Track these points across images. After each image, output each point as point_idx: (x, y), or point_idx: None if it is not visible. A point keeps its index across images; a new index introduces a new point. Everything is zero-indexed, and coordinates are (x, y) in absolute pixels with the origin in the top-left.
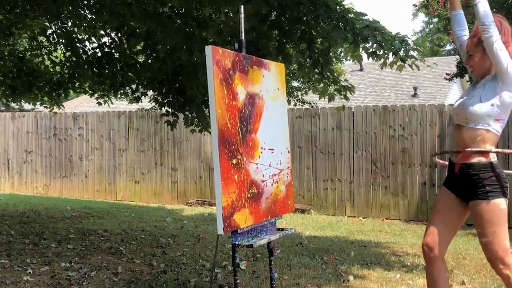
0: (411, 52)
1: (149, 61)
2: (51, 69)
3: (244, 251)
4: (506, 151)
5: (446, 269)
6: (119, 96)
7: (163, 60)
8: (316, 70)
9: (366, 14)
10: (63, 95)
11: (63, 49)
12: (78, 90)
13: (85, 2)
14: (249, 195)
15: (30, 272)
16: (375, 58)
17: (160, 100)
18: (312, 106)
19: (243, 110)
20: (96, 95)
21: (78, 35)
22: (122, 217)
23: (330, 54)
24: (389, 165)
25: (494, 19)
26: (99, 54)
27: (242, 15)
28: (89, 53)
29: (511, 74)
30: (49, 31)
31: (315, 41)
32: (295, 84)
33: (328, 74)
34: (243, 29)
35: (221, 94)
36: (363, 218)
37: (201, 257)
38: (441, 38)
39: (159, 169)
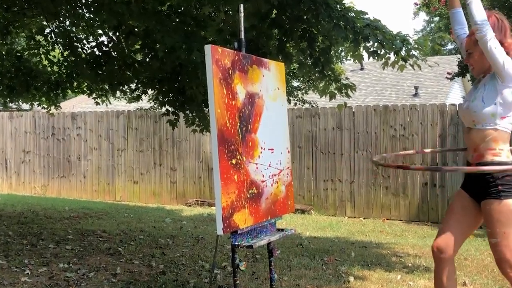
0: (413, 52)
1: (148, 60)
2: (49, 69)
3: (243, 252)
4: None
5: (454, 271)
6: (117, 95)
7: (162, 59)
8: (317, 69)
9: (366, 13)
10: (61, 95)
11: (61, 49)
12: (76, 90)
13: (83, 1)
14: (248, 196)
15: (28, 273)
16: (376, 58)
17: (160, 99)
18: (312, 106)
19: (243, 110)
20: (94, 95)
21: (76, 35)
22: (121, 218)
23: (331, 52)
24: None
25: (491, 17)
26: (97, 53)
27: (242, 14)
28: (87, 52)
29: (508, 71)
30: (47, 30)
31: (316, 40)
32: (295, 83)
33: (330, 72)
34: (242, 28)
35: (221, 93)
36: (364, 218)
37: (201, 258)
38: (442, 37)
39: (158, 169)
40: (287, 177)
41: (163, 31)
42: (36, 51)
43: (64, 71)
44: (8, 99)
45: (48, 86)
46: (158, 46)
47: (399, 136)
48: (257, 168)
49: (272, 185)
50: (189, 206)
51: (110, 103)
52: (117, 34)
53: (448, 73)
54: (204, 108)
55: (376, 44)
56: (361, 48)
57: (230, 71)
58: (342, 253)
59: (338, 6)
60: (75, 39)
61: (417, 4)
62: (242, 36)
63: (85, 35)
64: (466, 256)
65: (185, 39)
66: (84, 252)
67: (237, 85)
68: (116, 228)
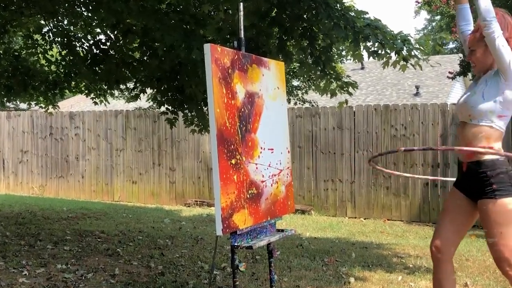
0: (414, 52)
1: (146, 58)
2: (47, 68)
3: (243, 253)
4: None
5: (453, 271)
6: (116, 94)
7: (161, 58)
8: (318, 67)
9: (367, 13)
10: (58, 94)
11: (59, 48)
12: (74, 90)
13: None
14: (248, 196)
15: (25, 274)
16: (376, 58)
17: (158, 98)
18: (312, 105)
19: (242, 109)
20: (92, 94)
21: (75, 34)
22: (119, 218)
23: (333, 50)
24: (391, 165)
25: (497, 14)
26: (95, 51)
27: (242, 13)
28: (85, 50)
29: None
30: (45, 29)
31: (317, 38)
32: (295, 83)
33: (331, 71)
34: (242, 27)
35: (220, 93)
36: (365, 219)
37: (200, 258)
38: (443, 38)
39: (157, 169)
40: (287, 177)
41: (162, 30)
42: (33, 50)
43: (62, 70)
44: (6, 98)
45: (46, 85)
46: (157, 44)
47: (400, 136)
48: (256, 168)
49: (272, 185)
50: (188, 206)
51: (109, 103)
52: (115, 32)
53: (449, 72)
54: (204, 107)
55: (376, 44)
56: (361, 48)
57: (230, 70)
58: (342, 254)
59: (338, 5)
60: (73, 38)
61: (418, 3)
62: (242, 35)
63: (83, 34)
64: (467, 257)
65: (184, 38)
66: (82, 253)
67: (236, 85)
68: (114, 229)
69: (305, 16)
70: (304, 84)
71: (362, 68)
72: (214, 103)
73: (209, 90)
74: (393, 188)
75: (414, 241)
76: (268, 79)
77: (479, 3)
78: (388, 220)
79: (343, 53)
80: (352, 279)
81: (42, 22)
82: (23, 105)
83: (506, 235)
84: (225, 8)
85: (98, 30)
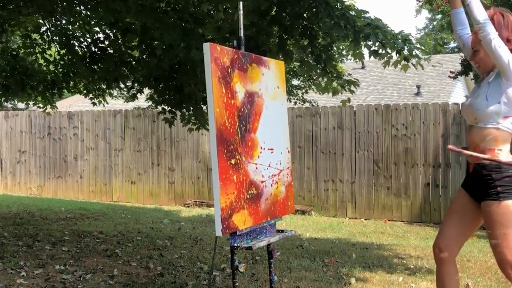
0: (415, 51)
1: (145, 57)
2: (45, 68)
3: (243, 254)
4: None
5: (456, 272)
6: (114, 94)
7: (160, 57)
8: (319, 65)
9: (367, 12)
10: (57, 94)
11: (57, 47)
12: (72, 90)
13: None
14: (248, 196)
15: (23, 275)
16: (377, 57)
17: (156, 98)
18: (312, 105)
19: (242, 109)
20: (90, 95)
21: (73, 33)
22: (118, 219)
23: (333, 49)
24: (392, 166)
25: (496, 14)
26: (94, 49)
27: (241, 12)
28: (84, 49)
29: None
30: (43, 28)
31: (317, 37)
32: (295, 82)
33: (332, 69)
34: (242, 26)
35: (220, 92)
36: (365, 219)
37: (199, 259)
38: (444, 38)
39: (156, 169)
40: (287, 177)
41: (161, 28)
42: (32, 49)
43: (60, 70)
44: (3, 98)
45: (44, 85)
46: (156, 43)
47: (401, 135)
48: (256, 168)
49: (272, 185)
50: (188, 207)
51: (107, 103)
52: (114, 31)
53: (451, 71)
54: (202, 106)
55: (377, 43)
56: (362, 47)
57: (229, 70)
58: (343, 254)
59: (338, 4)
60: (71, 37)
61: (419, 1)
62: (242, 34)
63: (81, 33)
64: (469, 258)
65: (183, 37)
66: (81, 253)
67: (236, 84)
68: (113, 229)
69: (305, 15)
70: (304, 83)
71: (363, 67)
72: (214, 102)
73: (209, 89)
74: (394, 188)
75: (415, 242)
76: (268, 79)
77: (471, 7)
78: (389, 220)
79: (344, 52)
80: (352, 280)
81: (41, 21)
82: (21, 105)
83: (509, 237)
84: (225, 7)
85: (97, 29)
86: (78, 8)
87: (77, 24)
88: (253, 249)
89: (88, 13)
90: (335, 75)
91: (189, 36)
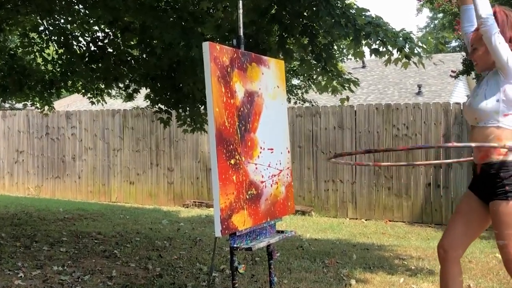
0: (417, 49)
1: (144, 56)
2: (43, 68)
3: (242, 254)
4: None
5: (460, 273)
6: (113, 94)
7: (160, 56)
8: (319, 64)
9: (368, 10)
10: (55, 94)
11: (56, 46)
12: (70, 89)
13: None
14: (247, 197)
15: (21, 276)
16: (378, 55)
17: (152, 97)
18: (312, 105)
19: (242, 109)
20: (88, 94)
21: (72, 32)
22: (117, 219)
23: (334, 47)
24: (393, 166)
25: (500, 12)
26: (93, 48)
27: (241, 10)
28: (83, 48)
29: None
30: (41, 28)
31: (318, 36)
32: (295, 82)
33: (332, 68)
34: (241, 25)
35: (219, 92)
36: (366, 220)
37: (198, 260)
38: (446, 37)
39: (154, 169)
40: (287, 177)
41: (160, 27)
42: (30, 49)
43: (58, 69)
44: (1, 98)
45: (42, 85)
46: (155, 42)
47: (402, 135)
48: (256, 168)
49: (271, 185)
50: (187, 207)
51: (106, 103)
52: (113, 30)
53: (452, 71)
54: (200, 106)
55: (377, 41)
56: (363, 45)
57: (229, 69)
58: (343, 255)
59: (338, 2)
60: (70, 36)
61: (420, 0)
62: (241, 33)
63: (80, 32)
64: (470, 259)
65: (183, 36)
66: (79, 254)
67: (235, 83)
68: (111, 230)
69: (305, 13)
70: (304, 83)
71: (363, 66)
72: (213, 102)
73: (208, 89)
74: (394, 188)
75: (416, 243)
76: (268, 78)
77: (476, 1)
78: (390, 221)
79: (344, 51)
80: (353, 281)
81: (39, 20)
82: (18, 105)
83: None
84: (224, 5)
85: (96, 27)
86: (76, 7)
87: (76, 23)
88: (253, 250)
89: (87, 11)
90: (335, 74)
91: (188, 34)
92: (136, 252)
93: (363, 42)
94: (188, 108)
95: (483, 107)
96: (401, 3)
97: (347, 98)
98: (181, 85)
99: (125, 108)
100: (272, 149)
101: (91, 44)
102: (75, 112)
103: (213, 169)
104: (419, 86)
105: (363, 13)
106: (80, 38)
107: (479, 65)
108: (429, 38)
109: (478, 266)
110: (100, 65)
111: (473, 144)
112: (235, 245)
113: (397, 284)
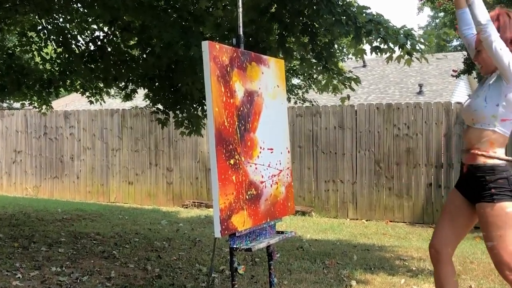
0: (418, 46)
1: (144, 55)
2: (41, 67)
3: (242, 255)
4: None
5: (454, 272)
6: (112, 93)
7: (158, 56)
8: (320, 63)
9: (369, 8)
10: (53, 93)
11: (54, 45)
12: (69, 89)
13: None
14: (247, 197)
15: (19, 277)
16: (379, 53)
17: (151, 97)
18: (313, 104)
19: (241, 108)
20: (87, 93)
21: (70, 31)
22: (115, 220)
23: (335, 46)
24: (393, 166)
25: (503, 15)
26: (92, 48)
27: (241, 9)
28: (82, 47)
29: None
30: (40, 27)
31: (318, 34)
32: (295, 81)
33: (333, 67)
34: (241, 24)
35: (219, 91)
36: (366, 220)
37: (198, 261)
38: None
39: (153, 169)
40: (287, 177)
41: (159, 26)
42: (28, 48)
43: (57, 68)
44: None
45: (41, 84)
46: (154, 41)
47: (403, 135)
48: (256, 168)
49: (271, 186)
50: (186, 207)
51: (104, 102)
52: (113, 29)
53: (453, 70)
54: (197, 107)
55: (378, 39)
56: (364, 42)
57: (228, 68)
58: (344, 256)
59: (339, 0)
60: (69, 35)
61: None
62: (241, 32)
63: (79, 31)
64: (472, 260)
65: (182, 35)
66: (78, 255)
67: (235, 83)
68: (110, 231)
69: (305, 11)
70: (305, 82)
71: (364, 66)
72: (213, 102)
73: (207, 88)
74: (395, 189)
75: (417, 243)
76: (268, 77)
77: (473, 8)
78: (391, 221)
79: (344, 50)
80: (353, 282)
81: (37, 19)
82: (16, 104)
83: (505, 238)
84: (224, 4)
85: (95, 26)
86: (74, 5)
87: (74, 22)
88: (253, 251)
89: (85, 10)
90: (336, 72)
91: (187, 34)
92: (135, 253)
93: (364, 40)
94: (185, 110)
95: (482, 110)
96: (402, 2)
97: (348, 97)
98: (179, 85)
99: (124, 108)
100: (272, 149)
101: (90, 44)
102: (74, 111)
103: (212, 169)
104: (420, 86)
105: (364, 11)
106: (79, 38)
107: (484, 67)
108: (430, 35)
109: (479, 267)
110: (99, 65)
111: None
112: (234, 246)
113: (398, 285)
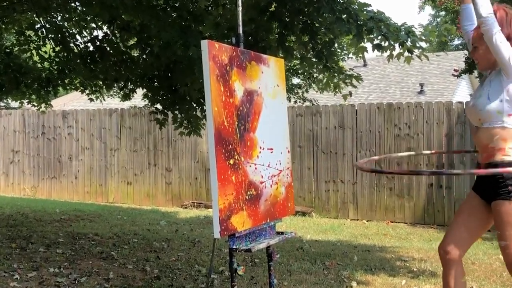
0: (419, 43)
1: (143, 55)
2: (39, 65)
3: (242, 256)
4: None
5: (463, 273)
6: (111, 93)
7: (157, 55)
8: (320, 62)
9: (370, 5)
10: (52, 92)
11: (52, 44)
12: (68, 87)
13: None
14: (247, 197)
15: (17, 278)
16: (380, 51)
17: (150, 96)
18: (313, 104)
19: (241, 108)
20: (87, 91)
21: (68, 29)
22: (114, 220)
23: (335, 44)
24: (394, 166)
25: (500, 10)
26: (91, 48)
27: (240, 8)
28: (81, 47)
29: None
30: (38, 25)
31: (318, 33)
32: (295, 81)
33: (333, 65)
34: (241, 23)
35: (218, 91)
36: (367, 221)
37: (197, 262)
38: (448, 30)
39: (152, 169)
40: (287, 178)
41: (158, 26)
42: (26, 46)
43: (55, 67)
44: None
45: (39, 83)
46: (153, 41)
47: (404, 135)
48: (255, 168)
49: (271, 186)
50: (185, 208)
51: (104, 100)
52: (111, 28)
53: (454, 69)
54: (196, 108)
55: (379, 36)
56: (365, 40)
57: (228, 68)
58: (344, 257)
59: None
60: (67, 34)
61: None
62: (240, 31)
63: (77, 30)
64: (473, 261)
65: (181, 34)
66: (76, 256)
67: (235, 82)
68: (108, 231)
69: (306, 10)
70: (305, 82)
71: (365, 65)
72: (212, 101)
73: (207, 88)
74: (396, 189)
75: (418, 244)
76: (268, 77)
77: (476, 1)
78: (392, 222)
79: (344, 48)
80: (354, 283)
81: (35, 18)
82: (14, 104)
83: None
84: (223, 3)
85: (93, 25)
86: (73, 4)
87: (72, 20)
88: (252, 252)
89: (84, 9)
90: (336, 70)
91: (186, 33)
92: (133, 254)
93: (365, 38)
94: (184, 110)
95: (487, 108)
96: (403, 1)
97: (350, 94)
98: (178, 85)
99: (123, 107)
100: (271, 149)
101: (89, 44)
102: (72, 111)
103: (211, 169)
104: (421, 85)
105: (365, 8)
106: (78, 37)
107: (480, 63)
108: (432, 31)
109: (481, 268)
110: (98, 65)
111: None
112: (234, 247)
113: (399, 286)
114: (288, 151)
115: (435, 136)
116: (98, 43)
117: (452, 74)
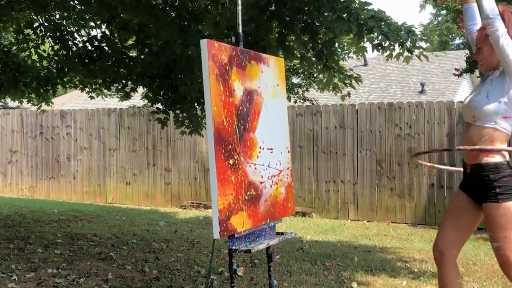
0: (419, 43)
1: (141, 55)
2: (38, 64)
3: (241, 257)
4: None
5: (458, 273)
6: (109, 92)
7: (156, 55)
8: (320, 61)
9: (371, 4)
10: (51, 91)
11: (51, 42)
12: (67, 85)
13: None
14: (246, 198)
15: (15, 279)
16: (381, 50)
17: (150, 96)
18: (313, 104)
19: (241, 108)
20: (87, 89)
21: (67, 28)
22: (113, 221)
23: (335, 44)
24: (395, 166)
25: (506, 12)
26: (90, 47)
27: (240, 7)
28: (79, 46)
29: None
30: (36, 24)
31: (319, 32)
32: (295, 80)
33: (333, 65)
34: (240, 22)
35: (217, 90)
36: (368, 221)
37: (196, 263)
38: (449, 29)
39: (151, 169)
40: (287, 178)
41: (157, 25)
42: (24, 45)
43: (54, 65)
44: None
45: (38, 82)
46: (151, 41)
47: (405, 135)
48: (255, 168)
49: (271, 186)
50: (184, 208)
51: (106, 96)
52: (110, 28)
53: (456, 69)
54: (197, 107)
55: (380, 36)
56: (365, 39)
57: (227, 67)
58: (344, 257)
59: None
60: (65, 32)
61: None
62: (240, 30)
63: (76, 28)
64: (475, 261)
65: (180, 33)
66: (74, 256)
67: (234, 82)
68: (107, 232)
69: (306, 9)
70: (305, 81)
71: (365, 64)
72: (211, 101)
73: (206, 87)
74: (397, 189)
75: (419, 245)
76: (267, 76)
77: (482, 1)
78: (392, 222)
79: (345, 48)
80: (354, 284)
81: (33, 16)
82: (12, 103)
83: (511, 239)
84: (223, 2)
85: (92, 24)
86: (71, 2)
87: (71, 19)
88: (252, 252)
89: (82, 7)
90: (336, 70)
91: (186, 32)
92: (132, 254)
93: (366, 37)
94: (185, 109)
95: (483, 106)
96: (403, 1)
97: (348, 94)
98: (177, 84)
99: (121, 107)
100: (271, 149)
101: (87, 44)
102: (70, 111)
103: (211, 169)
104: (422, 85)
105: (366, 7)
106: (76, 35)
107: (484, 65)
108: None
109: (482, 269)
110: (97, 64)
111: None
112: (233, 247)
113: (400, 287)
114: (288, 151)
115: (436, 136)
116: (96, 43)
117: (453, 74)
